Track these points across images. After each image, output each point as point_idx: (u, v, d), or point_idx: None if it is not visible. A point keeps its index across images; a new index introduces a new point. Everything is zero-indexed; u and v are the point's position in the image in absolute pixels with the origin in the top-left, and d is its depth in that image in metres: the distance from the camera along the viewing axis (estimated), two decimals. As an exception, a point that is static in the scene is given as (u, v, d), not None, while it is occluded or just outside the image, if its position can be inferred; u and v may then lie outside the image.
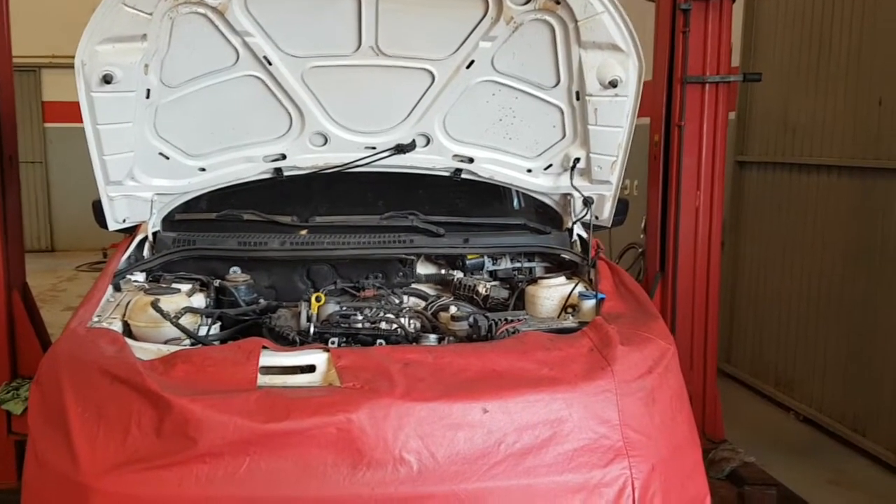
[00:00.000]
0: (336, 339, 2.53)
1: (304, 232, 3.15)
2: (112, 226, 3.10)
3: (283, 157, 3.09)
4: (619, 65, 2.83)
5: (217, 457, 1.98)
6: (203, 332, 2.66)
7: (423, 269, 3.21)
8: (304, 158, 3.09)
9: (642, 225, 4.88)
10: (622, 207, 3.78)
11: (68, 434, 2.08)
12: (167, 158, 2.98)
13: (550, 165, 3.22)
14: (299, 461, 1.99)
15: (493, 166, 3.21)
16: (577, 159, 3.15)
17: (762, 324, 5.56)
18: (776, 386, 5.39)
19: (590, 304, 2.78)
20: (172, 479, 1.97)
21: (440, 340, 2.62)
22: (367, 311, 2.69)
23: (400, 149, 3.08)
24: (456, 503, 2.00)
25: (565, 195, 3.32)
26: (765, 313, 5.52)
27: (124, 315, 2.66)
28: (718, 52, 4.14)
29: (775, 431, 4.94)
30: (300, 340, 2.53)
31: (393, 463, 2.00)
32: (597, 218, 3.32)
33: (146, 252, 3.11)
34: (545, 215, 3.42)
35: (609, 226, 3.37)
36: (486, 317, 2.65)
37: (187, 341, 2.58)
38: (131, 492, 1.98)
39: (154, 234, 3.16)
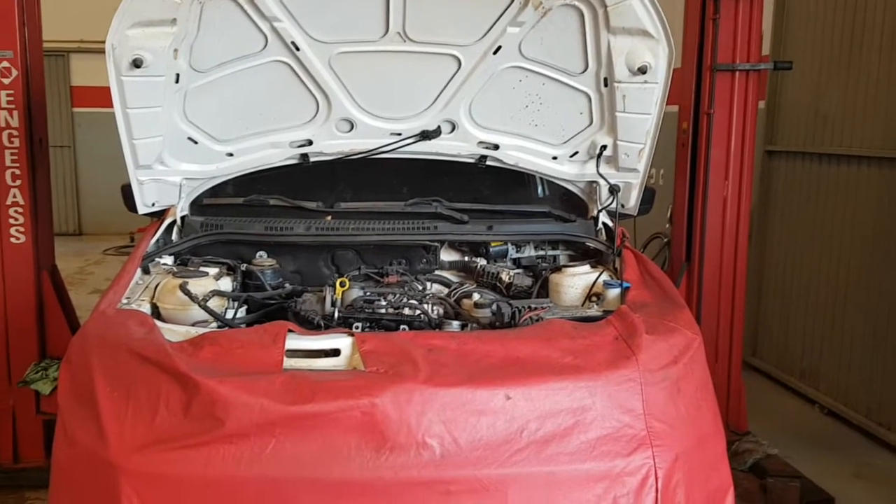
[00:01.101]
0: (360, 324, 2.55)
1: (328, 218, 3.16)
2: (141, 209, 3.14)
3: (310, 142, 3.10)
4: (649, 51, 2.80)
5: (243, 438, 2.00)
6: (230, 315, 2.68)
7: (446, 255, 3.21)
8: (330, 144, 3.09)
9: (668, 214, 4.84)
10: (648, 196, 3.76)
11: (97, 413, 2.11)
12: (196, 143, 3.01)
13: (577, 153, 3.20)
14: (324, 444, 2.00)
15: (518, 153, 3.20)
16: (604, 147, 3.13)
17: (788, 316, 5.50)
18: (801, 378, 5.34)
19: (614, 292, 2.77)
20: (199, 458, 1.99)
21: (463, 327, 2.62)
22: (390, 297, 2.70)
23: (425, 135, 3.08)
24: (478, 488, 2.00)
25: (591, 183, 3.30)
26: (791, 305, 5.46)
27: (153, 297, 2.69)
28: (749, 40, 4.08)
29: (800, 424, 4.90)
30: (325, 325, 2.54)
31: (416, 447, 2.01)
32: (623, 206, 3.30)
33: (174, 236, 3.15)
34: (570, 203, 3.41)
35: (635, 214, 3.35)
36: (510, 304, 2.65)
37: (215, 324, 2.61)
38: (159, 471, 2.01)
39: (182, 218, 3.19)
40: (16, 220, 3.78)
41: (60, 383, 2.34)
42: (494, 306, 2.67)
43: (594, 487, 2.05)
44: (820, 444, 4.58)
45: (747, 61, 4.10)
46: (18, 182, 3.76)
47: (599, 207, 3.29)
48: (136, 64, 2.62)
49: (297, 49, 2.79)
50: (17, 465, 3.87)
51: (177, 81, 2.77)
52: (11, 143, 3.74)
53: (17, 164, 3.75)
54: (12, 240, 3.79)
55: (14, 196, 3.77)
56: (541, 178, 3.40)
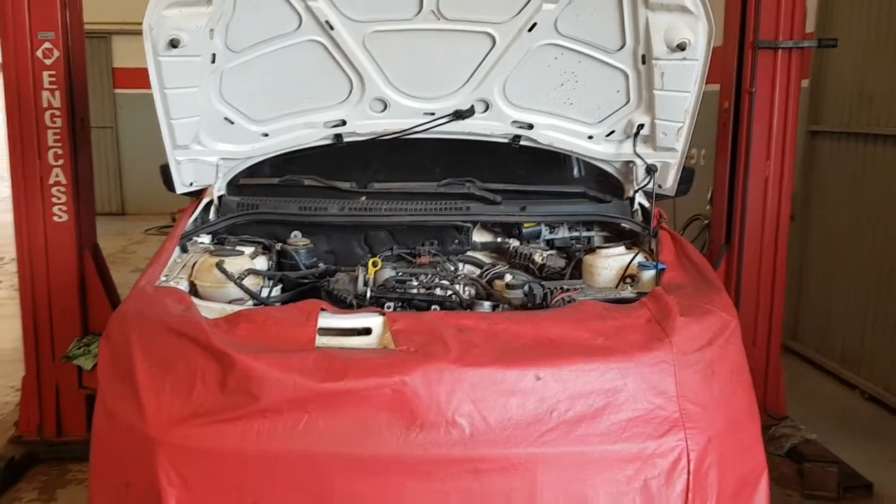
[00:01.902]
0: (392, 304, 2.56)
1: (363, 198, 3.17)
2: (179, 189, 3.18)
3: (344, 123, 3.10)
4: (688, 27, 2.74)
5: (277, 413, 2.04)
6: (265, 293, 2.72)
7: (479, 236, 3.19)
8: (364, 124, 3.10)
9: (709, 196, 4.76)
10: (687, 177, 3.69)
11: (136, 388, 2.16)
12: (232, 123, 3.03)
13: (613, 132, 3.15)
14: (355, 420, 2.03)
15: (553, 133, 3.16)
16: (641, 125, 3.08)
17: (830, 299, 5.39)
18: (843, 363, 5.24)
19: (649, 274, 2.74)
20: (234, 432, 2.03)
21: (494, 308, 2.62)
22: (422, 277, 2.71)
23: (458, 115, 3.06)
24: (507, 467, 2.01)
25: (627, 163, 3.25)
26: (833, 288, 5.35)
27: (190, 275, 2.74)
28: (792, 17, 3.98)
29: (840, 409, 4.81)
30: (357, 304, 2.56)
31: (445, 425, 2.02)
32: (660, 187, 3.25)
33: (212, 215, 3.19)
34: (606, 184, 3.37)
35: (673, 195, 3.29)
36: (542, 285, 2.63)
37: (250, 302, 2.65)
38: (195, 444, 2.05)
39: (219, 197, 3.22)
40: (58, 199, 3.86)
41: (100, 359, 2.39)
42: (526, 287, 2.66)
43: (625, 468, 2.05)
44: (860, 429, 4.50)
45: (790, 38, 4.00)
46: (61, 162, 3.84)
47: (636, 188, 3.25)
48: (173, 44, 2.65)
49: (331, 28, 2.79)
50: (60, 438, 3.98)
51: (213, 62, 2.79)
52: (54, 123, 3.81)
53: (60, 144, 3.82)
54: (55, 218, 3.87)
55: (56, 175, 3.85)
56: (576, 158, 3.36)
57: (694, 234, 6.53)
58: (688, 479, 2.07)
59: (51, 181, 3.86)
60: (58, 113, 3.82)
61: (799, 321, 5.76)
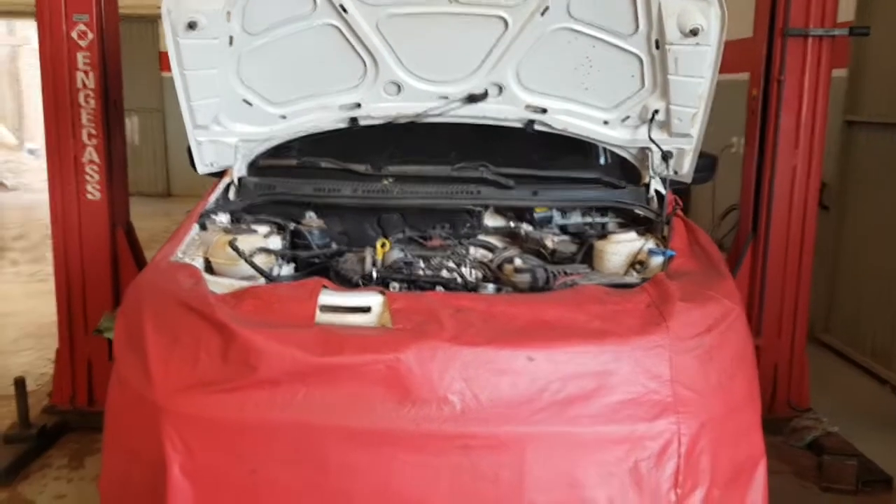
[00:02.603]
0: (397, 284, 2.60)
1: (387, 181, 3.20)
2: (201, 168, 3.27)
3: (359, 105, 3.15)
4: (700, 13, 2.72)
5: (275, 385, 2.10)
6: (276, 271, 2.79)
7: (491, 221, 3.21)
8: (379, 108, 3.14)
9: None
10: (709, 164, 3.66)
11: (145, 358, 2.24)
12: (250, 105, 3.10)
13: (628, 117, 3.14)
14: (350, 394, 2.08)
15: (567, 118, 3.16)
16: (657, 111, 3.06)
17: (863, 292, 5.28)
18: (873, 357, 5.14)
19: (658, 260, 2.73)
20: (235, 402, 2.10)
21: (498, 291, 2.64)
22: (430, 259, 2.75)
23: (472, 98, 3.08)
24: (497, 445, 2.04)
25: (643, 149, 3.23)
26: (867, 281, 5.24)
27: (206, 252, 2.82)
28: (823, 4, 3.91)
29: (868, 404, 4.72)
30: (363, 284, 2.61)
31: (437, 402, 2.06)
32: (676, 173, 3.23)
33: (231, 195, 3.26)
34: (622, 170, 3.35)
35: (689, 181, 3.27)
36: (546, 269, 2.65)
37: (263, 279, 2.72)
38: (198, 412, 2.13)
39: (239, 178, 3.30)
40: (92, 177, 3.99)
41: (116, 329, 2.49)
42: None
43: (615, 449, 2.07)
44: (887, 424, 4.42)
45: (821, 26, 3.92)
46: (94, 141, 3.96)
47: (651, 174, 3.23)
48: (191, 26, 2.72)
49: (345, 11, 2.83)
50: (91, 408, 4.12)
51: (231, 44, 2.86)
52: (87, 103, 3.93)
53: (93, 124, 3.94)
54: (88, 196, 4.00)
55: (90, 154, 3.97)
56: (591, 144, 3.34)
57: (732, 224, 6.45)
58: (678, 463, 2.07)
59: (84, 160, 3.98)
60: (91, 94, 3.93)
61: (831, 313, 5.66)
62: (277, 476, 2.07)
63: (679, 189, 3.96)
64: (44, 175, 4.13)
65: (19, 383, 3.94)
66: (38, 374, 4.89)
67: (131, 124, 12.05)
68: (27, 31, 16.61)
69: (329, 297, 2.35)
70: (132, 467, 2.23)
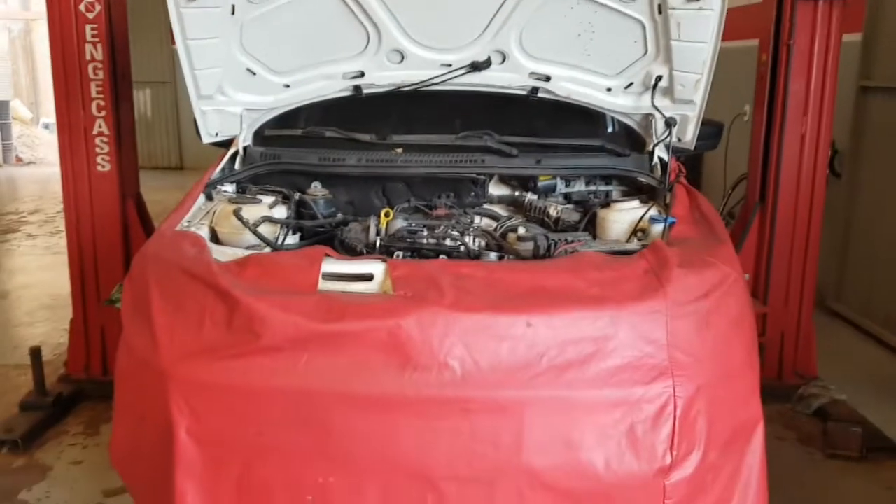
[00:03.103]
0: (400, 253, 2.63)
1: (399, 150, 3.21)
2: (206, 139, 3.30)
3: (362, 74, 3.15)
4: (703, -23, 2.69)
5: (278, 351, 2.14)
6: (280, 240, 2.82)
7: (496, 189, 3.22)
8: (382, 76, 3.14)
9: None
10: (714, 131, 3.65)
11: (151, 325, 2.29)
12: (254, 74, 3.12)
13: (631, 84, 3.13)
14: (352, 360, 2.11)
15: (571, 85, 3.15)
16: (660, 77, 3.04)
17: (875, 260, 5.25)
18: (885, 326, 5.12)
19: (658, 228, 2.74)
20: (239, 368, 2.14)
21: (501, 259, 2.66)
22: (434, 228, 2.77)
23: (475, 66, 3.08)
24: (496, 408, 2.08)
25: (647, 116, 3.22)
26: (879, 249, 5.20)
27: (212, 221, 2.86)
28: (834, -34, 3.84)
29: (878, 373, 4.72)
30: (367, 252, 2.64)
31: (438, 368, 2.09)
32: (679, 140, 3.22)
33: (237, 165, 3.29)
34: (626, 137, 3.34)
35: (692, 148, 3.26)
36: (547, 237, 2.66)
37: (268, 248, 2.76)
38: (202, 378, 2.17)
39: (245, 148, 3.33)
40: (101, 149, 4.03)
41: (123, 297, 2.54)
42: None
43: (611, 413, 2.09)
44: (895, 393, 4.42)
45: (832, -11, 3.87)
46: (103, 113, 3.99)
47: (655, 141, 3.22)
48: (194, -5, 2.73)
49: (348, -21, 2.83)
50: (105, 377, 4.20)
51: (233, 13, 2.86)
52: (96, 75, 3.95)
53: (102, 96, 3.97)
54: (98, 168, 4.04)
55: (99, 126, 4.01)
56: (595, 112, 3.33)
57: (743, 192, 6.42)
58: (674, 425, 2.10)
59: (94, 132, 4.02)
60: (100, 66, 3.95)
61: (842, 282, 5.64)
62: (282, 439, 2.12)
63: (691, 158, 3.95)
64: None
65: (35, 353, 4.02)
66: (54, 344, 4.99)
67: (143, 97, 12.10)
68: (41, 6, 16.65)
69: (331, 265, 2.38)
70: (141, 431, 2.29)
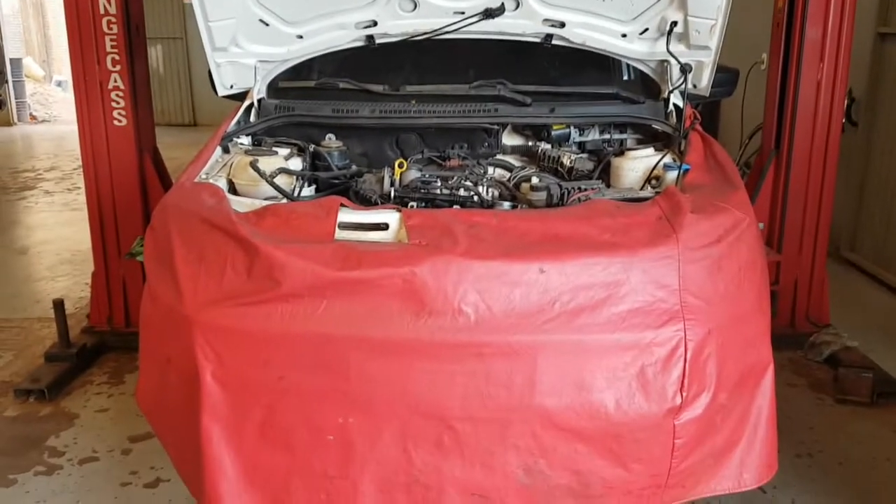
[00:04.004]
0: (415, 203, 2.66)
1: (413, 101, 3.21)
2: (221, 91, 3.31)
3: (375, 23, 3.14)
4: (719, -80, 2.65)
5: (298, 297, 2.19)
6: (296, 192, 2.86)
7: (509, 139, 3.23)
8: (395, 25, 3.12)
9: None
10: (731, 78, 3.63)
11: (174, 272, 2.34)
12: (267, 25, 3.11)
13: (647, 30, 3.10)
14: (369, 306, 2.16)
15: (585, 31, 3.12)
16: (675, 22, 3.02)
17: (891, 210, 5.23)
18: (898, 275, 5.13)
19: (673, 174, 2.75)
20: (260, 314, 2.20)
21: (514, 208, 2.69)
22: (447, 179, 2.79)
23: (488, 13, 3.05)
24: (509, 352, 2.12)
25: (662, 62, 3.20)
26: (894, 199, 5.18)
27: (229, 173, 2.90)
28: None
29: (890, 320, 4.76)
30: (382, 203, 2.67)
31: (452, 313, 2.13)
32: (695, 87, 3.20)
33: (252, 117, 3.31)
34: (641, 84, 3.33)
35: (707, 95, 3.24)
36: (560, 185, 2.68)
37: (284, 199, 2.80)
38: (226, 323, 2.23)
39: (259, 100, 3.34)
40: (117, 103, 4.07)
41: (146, 247, 2.60)
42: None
43: (622, 356, 2.14)
44: (908, 340, 4.46)
45: (850, -69, 3.80)
46: (118, 67, 4.02)
47: (670, 88, 3.21)
48: (206, -54, 2.72)
49: (359, -73, 2.81)
50: (128, 328, 4.32)
51: (245, -37, 2.86)
52: (110, 29, 3.97)
53: (116, 50, 3.99)
54: (115, 122, 4.09)
55: (115, 81, 4.04)
56: (610, 58, 3.31)
57: (760, 142, 6.37)
58: (684, 367, 2.14)
59: (110, 86, 4.05)
60: (113, 20, 3.97)
61: (857, 231, 5.63)
62: (302, 382, 2.18)
63: (708, 107, 3.90)
64: (72, 107, 4.20)
65: (58, 305, 4.11)
66: (76, 297, 5.10)
67: (155, 53, 12.06)
68: (49, -40, 16.53)
69: (347, 214, 2.42)
70: (167, 376, 2.35)
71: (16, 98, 13.46)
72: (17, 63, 13.63)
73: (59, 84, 16.02)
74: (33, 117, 14.01)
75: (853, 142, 5.41)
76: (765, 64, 6.19)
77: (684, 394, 2.13)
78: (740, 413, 2.26)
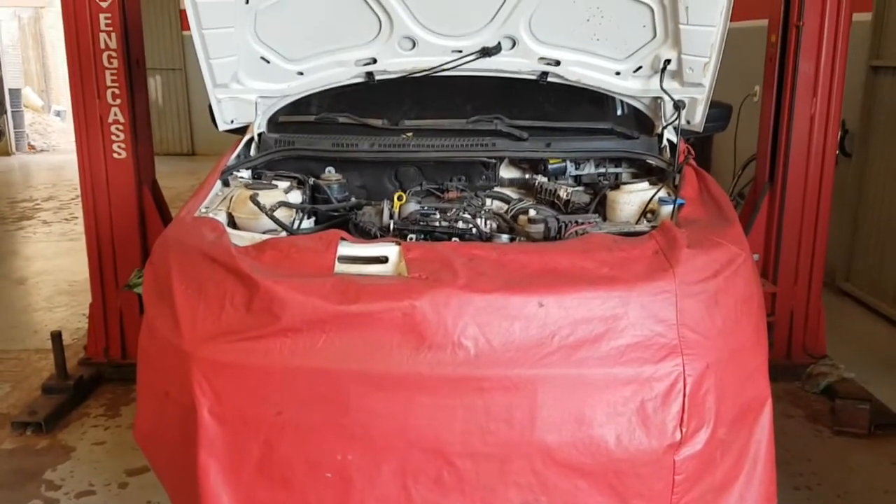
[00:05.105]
0: (414, 236, 2.68)
1: (409, 134, 3.26)
2: (221, 126, 3.35)
3: (374, 61, 3.19)
4: (711, -39, 2.71)
5: (297, 332, 2.20)
6: (295, 224, 2.88)
7: (506, 172, 3.27)
8: (394, 63, 3.18)
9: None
10: (724, 113, 3.68)
11: (173, 307, 2.35)
12: (268, 62, 3.16)
13: (640, 67, 3.15)
14: (368, 340, 2.17)
15: (580, 69, 3.18)
16: (668, 60, 3.07)
17: (885, 240, 5.27)
18: (894, 305, 5.15)
19: (668, 209, 2.78)
20: (259, 349, 2.21)
21: (512, 241, 2.71)
22: (446, 211, 2.82)
23: (485, 52, 3.11)
24: (509, 386, 2.13)
25: (656, 99, 3.25)
26: (889, 229, 5.23)
27: (229, 207, 2.92)
28: (844, -55, 3.85)
29: (887, 351, 4.77)
30: (381, 235, 2.69)
31: (452, 347, 2.14)
32: (688, 122, 3.25)
33: (252, 151, 3.35)
34: (635, 120, 3.38)
35: (701, 131, 3.29)
36: (557, 219, 2.71)
37: (284, 233, 2.81)
38: (224, 359, 2.23)
39: (259, 134, 3.38)
40: (117, 136, 4.09)
41: (145, 281, 2.61)
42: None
43: (622, 390, 2.15)
44: (905, 372, 4.46)
45: (840, -31, 3.87)
46: (118, 101, 4.05)
47: (664, 124, 3.25)
48: (208, -15, 2.77)
49: (359, -33, 2.86)
50: (124, 360, 4.30)
51: (247, 2, 2.90)
52: (111, 63, 4.01)
53: (117, 84, 4.02)
54: (115, 155, 4.11)
55: (115, 114, 4.07)
56: (605, 95, 3.37)
57: (753, 173, 6.42)
58: (683, 402, 2.15)
59: (110, 120, 4.08)
60: (114, 54, 4.00)
61: (852, 262, 5.66)
62: (301, 418, 2.18)
63: (701, 139, 3.95)
64: (71, 136, 4.23)
65: (56, 337, 4.10)
66: (73, 329, 5.09)
67: (154, 84, 12.15)
68: (49, -8, 16.71)
69: (347, 248, 2.43)
70: (164, 410, 2.35)
71: (14, 128, 13.51)
72: (16, 93, 13.71)
73: (57, 114, 16.11)
74: (32, 147, 14.06)
75: (847, 173, 5.46)
76: (757, 96, 6.28)
77: (684, 429, 2.14)
78: (739, 448, 2.27)
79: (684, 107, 3.16)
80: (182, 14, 11.80)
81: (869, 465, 3.49)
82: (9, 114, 13.15)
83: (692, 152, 3.20)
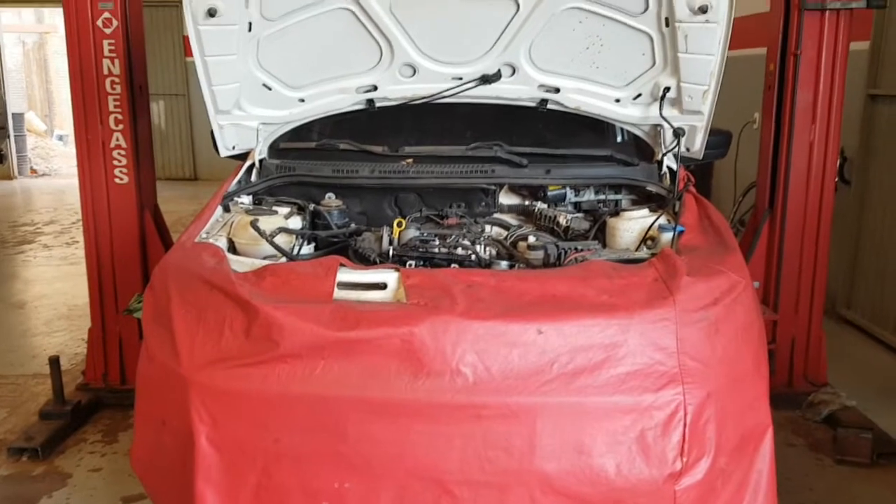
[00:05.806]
0: (413, 262, 2.68)
1: (409, 161, 3.28)
2: (223, 152, 3.37)
3: (375, 88, 3.22)
4: (709, -10, 2.74)
5: (296, 358, 2.19)
6: (295, 250, 2.88)
7: (506, 199, 3.28)
8: (395, 90, 3.20)
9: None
10: (724, 140, 3.70)
11: (172, 333, 2.35)
12: (270, 89, 3.19)
13: (640, 95, 3.18)
14: (367, 367, 2.16)
15: (579, 96, 3.21)
16: (668, 88, 3.10)
17: (885, 267, 5.26)
18: (895, 333, 5.13)
19: (668, 236, 2.78)
20: (258, 375, 2.20)
21: (511, 267, 2.71)
22: (445, 237, 2.82)
23: (485, 79, 3.14)
24: (508, 414, 2.12)
25: (655, 126, 3.27)
26: (889, 255, 5.22)
27: (229, 233, 2.93)
28: (841, -24, 3.88)
29: (888, 379, 4.74)
30: (380, 261, 2.70)
31: (450, 374, 2.13)
32: (688, 150, 3.26)
33: (253, 177, 3.36)
34: (635, 147, 3.40)
35: (700, 158, 3.30)
36: (557, 246, 2.71)
37: (284, 258, 2.82)
38: (223, 385, 2.22)
39: (261, 161, 3.40)
40: (119, 161, 4.11)
41: (144, 306, 2.60)
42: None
43: (622, 419, 2.13)
44: (907, 400, 4.43)
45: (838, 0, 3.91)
46: (121, 126, 4.07)
47: (664, 151, 3.27)
48: (211, 13, 2.80)
49: (360, -4, 2.90)
50: (123, 386, 4.27)
51: (249, 30, 2.93)
52: (114, 89, 4.03)
53: (119, 110, 4.04)
54: (117, 180, 4.12)
55: (117, 140, 4.08)
56: (604, 122, 3.39)
57: (753, 200, 6.44)
58: (684, 431, 2.14)
59: (112, 145, 4.09)
60: (117, 80, 4.03)
61: (853, 289, 5.65)
62: (299, 445, 2.17)
63: (700, 166, 3.98)
64: (73, 160, 4.25)
65: (54, 362, 4.09)
66: (71, 353, 5.07)
67: (157, 109, 12.24)
68: (54, 18, 16.88)
69: (346, 274, 2.43)
70: (162, 437, 2.34)
71: (17, 152, 13.58)
72: (19, 117, 13.80)
73: (60, 138, 16.20)
74: (34, 171, 14.12)
75: (846, 200, 5.47)
76: (757, 123, 6.32)
77: (684, 458, 2.12)
78: (740, 477, 2.24)
79: (684, 134, 3.17)
80: (185, 40, 11.92)
81: (871, 495, 3.45)
82: (12, 138, 13.22)
83: (692, 179, 3.22)
